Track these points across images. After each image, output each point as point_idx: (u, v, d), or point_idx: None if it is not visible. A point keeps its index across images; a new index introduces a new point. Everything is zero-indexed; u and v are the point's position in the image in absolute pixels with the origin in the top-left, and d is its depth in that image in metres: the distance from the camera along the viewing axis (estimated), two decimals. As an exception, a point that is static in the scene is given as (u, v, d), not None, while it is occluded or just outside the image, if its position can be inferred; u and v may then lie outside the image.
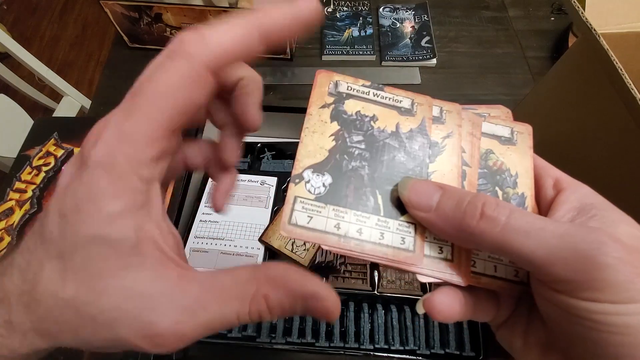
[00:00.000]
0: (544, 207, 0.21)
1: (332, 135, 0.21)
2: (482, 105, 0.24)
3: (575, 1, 0.35)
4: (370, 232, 0.19)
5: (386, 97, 0.22)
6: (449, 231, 0.18)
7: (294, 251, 0.42)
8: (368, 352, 0.42)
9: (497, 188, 0.21)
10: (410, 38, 0.73)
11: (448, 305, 0.19)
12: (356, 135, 0.21)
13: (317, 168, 0.20)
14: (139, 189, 0.15)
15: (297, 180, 0.19)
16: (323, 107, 0.21)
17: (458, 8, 0.79)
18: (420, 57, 0.70)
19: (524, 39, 0.75)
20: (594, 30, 0.33)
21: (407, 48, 0.72)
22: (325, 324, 0.43)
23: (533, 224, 0.16)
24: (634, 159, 0.34)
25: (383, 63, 0.71)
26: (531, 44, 0.74)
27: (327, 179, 0.20)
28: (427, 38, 0.72)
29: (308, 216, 0.19)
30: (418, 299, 0.43)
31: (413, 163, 0.21)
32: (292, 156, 0.56)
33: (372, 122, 0.21)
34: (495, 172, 0.22)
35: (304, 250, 0.41)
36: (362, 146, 0.21)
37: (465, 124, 0.22)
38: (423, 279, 0.20)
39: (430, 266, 0.19)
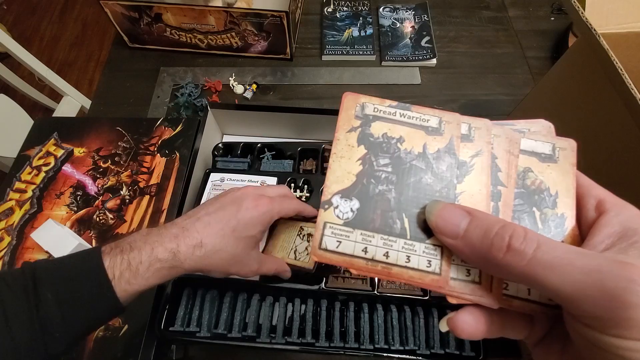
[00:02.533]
0: (585, 229, 0.20)
1: (359, 159, 0.21)
2: (522, 120, 0.23)
3: (575, 1, 0.35)
4: (397, 255, 0.19)
5: (413, 117, 0.22)
6: (475, 260, 0.18)
7: (297, 259, 0.42)
8: (368, 352, 0.42)
9: (534, 209, 0.20)
10: (410, 38, 0.73)
11: (472, 326, 0.19)
12: (383, 159, 0.21)
13: (345, 193, 0.20)
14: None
15: (326, 206, 0.20)
16: (350, 131, 0.21)
17: (458, 8, 0.79)
18: (420, 57, 0.70)
19: (524, 39, 0.75)
20: (594, 30, 0.33)
21: (407, 48, 0.72)
22: (326, 324, 0.43)
23: (561, 259, 0.16)
24: (634, 159, 0.34)
25: (383, 63, 0.71)
26: (531, 44, 0.74)
27: (355, 203, 0.20)
28: (427, 38, 0.72)
29: (337, 241, 0.19)
30: (419, 299, 0.44)
31: (440, 184, 0.20)
32: (291, 156, 0.56)
33: (398, 144, 0.21)
34: (533, 192, 0.21)
35: (307, 255, 0.41)
36: (389, 169, 0.21)
37: (502, 141, 0.21)
38: (453, 301, 0.19)
39: (458, 288, 0.19)
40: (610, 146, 0.38)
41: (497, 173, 0.21)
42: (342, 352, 0.42)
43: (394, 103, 0.22)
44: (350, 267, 0.19)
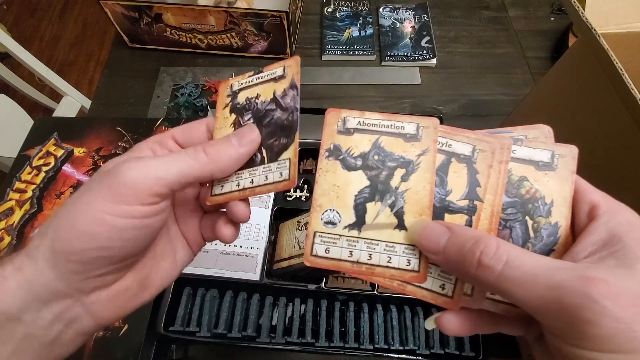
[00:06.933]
0: (578, 236, 0.20)
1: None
2: (519, 126, 0.23)
3: (575, 1, 0.35)
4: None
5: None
6: (454, 273, 0.20)
7: (301, 248, 0.43)
8: (368, 352, 0.42)
9: (527, 217, 0.21)
10: (410, 38, 0.73)
11: (457, 326, 0.20)
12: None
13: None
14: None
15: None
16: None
17: (458, 8, 0.79)
18: (420, 57, 0.70)
19: (524, 39, 0.74)
20: (594, 30, 0.33)
21: (407, 48, 0.71)
22: (325, 324, 0.43)
23: (526, 274, 0.16)
24: (634, 159, 0.34)
25: (383, 63, 0.71)
26: (531, 44, 0.74)
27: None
28: (427, 38, 0.72)
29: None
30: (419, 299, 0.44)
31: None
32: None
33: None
34: (527, 201, 0.21)
35: None
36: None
37: (486, 157, 0.21)
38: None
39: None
40: (610, 146, 0.38)
41: (475, 188, 0.21)
42: (342, 352, 0.42)
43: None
44: (338, 269, 0.21)
